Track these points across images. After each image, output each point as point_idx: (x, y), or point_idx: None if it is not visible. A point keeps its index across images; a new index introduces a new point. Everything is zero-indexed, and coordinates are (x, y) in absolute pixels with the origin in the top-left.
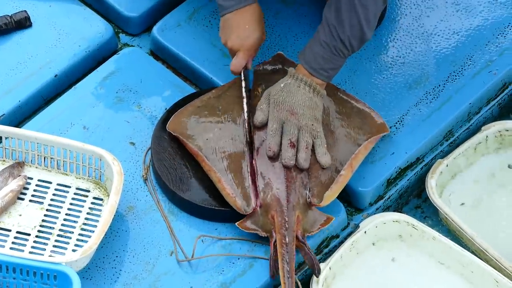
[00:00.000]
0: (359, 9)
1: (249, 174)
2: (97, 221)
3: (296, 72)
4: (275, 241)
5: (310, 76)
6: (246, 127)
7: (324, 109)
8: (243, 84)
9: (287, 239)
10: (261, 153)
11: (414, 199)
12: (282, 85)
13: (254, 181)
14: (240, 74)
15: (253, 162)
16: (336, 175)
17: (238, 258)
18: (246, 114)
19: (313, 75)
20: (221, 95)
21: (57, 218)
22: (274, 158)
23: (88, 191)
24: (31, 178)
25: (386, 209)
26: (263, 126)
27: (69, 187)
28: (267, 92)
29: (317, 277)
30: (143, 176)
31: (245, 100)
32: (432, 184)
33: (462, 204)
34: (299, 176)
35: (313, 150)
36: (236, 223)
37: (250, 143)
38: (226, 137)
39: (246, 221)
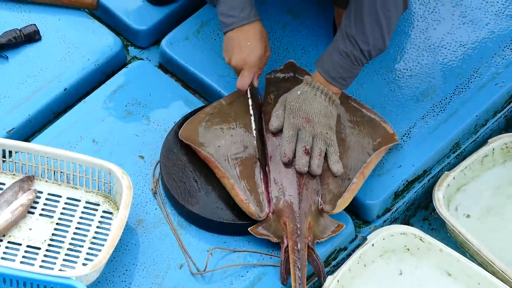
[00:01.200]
0: (383, 22)
1: (261, 180)
2: (107, 234)
3: (313, 80)
4: (286, 247)
5: (326, 84)
6: (255, 144)
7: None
8: (250, 102)
9: (299, 246)
10: (274, 159)
11: (421, 211)
12: (298, 92)
13: (267, 187)
14: (247, 92)
15: (266, 169)
16: (348, 183)
17: (247, 271)
18: (254, 132)
19: (331, 83)
20: (233, 102)
21: (67, 232)
22: (287, 164)
23: (98, 204)
24: (41, 192)
25: (394, 221)
26: (278, 132)
27: (79, 201)
28: (283, 98)
29: (322, 284)
30: (152, 189)
31: (252, 118)
32: (439, 196)
33: (469, 216)
34: (311, 182)
35: (325, 158)
36: (248, 228)
37: (262, 154)
38: (238, 143)
39: (258, 227)
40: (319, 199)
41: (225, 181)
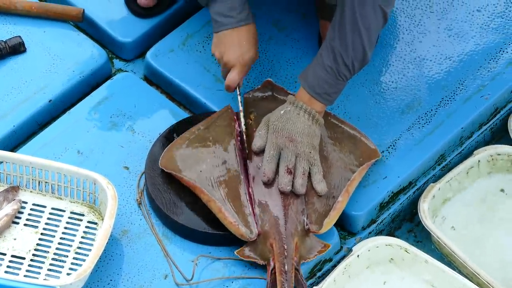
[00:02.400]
0: (362, 32)
1: (248, 201)
2: (92, 244)
3: (296, 100)
4: (273, 268)
5: (310, 102)
6: (245, 138)
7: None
8: (239, 98)
9: (286, 267)
10: (257, 180)
11: (406, 223)
12: (282, 112)
13: (251, 207)
14: (235, 89)
15: (249, 190)
16: (333, 201)
17: (232, 282)
18: (244, 127)
19: (316, 99)
20: (210, 125)
21: (51, 242)
22: (270, 184)
23: (83, 215)
24: (26, 202)
25: (379, 233)
26: (260, 152)
27: (64, 211)
28: (267, 118)
29: None
30: (137, 200)
31: (242, 114)
32: (424, 208)
33: (454, 228)
34: (296, 202)
35: (309, 177)
36: (234, 252)
37: (245, 175)
38: (220, 166)
39: (245, 249)
40: (305, 219)
41: (212, 205)
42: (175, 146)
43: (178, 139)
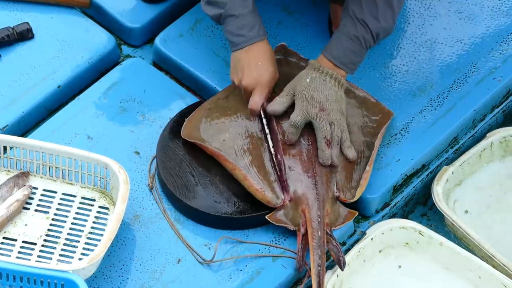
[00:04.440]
0: (395, 4)
1: (272, 167)
2: (103, 230)
3: (321, 66)
4: (303, 234)
5: (334, 68)
6: (275, 160)
7: None
8: (264, 122)
9: (319, 233)
10: (287, 148)
11: (420, 207)
12: (308, 80)
13: (280, 174)
14: (260, 112)
15: (278, 157)
16: (359, 168)
17: (246, 265)
18: (273, 150)
19: (341, 68)
20: (229, 95)
21: (63, 227)
22: (300, 152)
23: (94, 200)
24: (36, 188)
25: (392, 216)
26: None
27: (75, 196)
28: (290, 86)
29: (342, 270)
30: (148, 185)
31: (269, 136)
32: (438, 191)
33: (467, 210)
34: (325, 170)
35: None
36: (266, 216)
37: (275, 143)
38: (243, 135)
39: (276, 214)
40: (334, 187)
41: (237, 173)
42: (196, 116)
43: (198, 109)
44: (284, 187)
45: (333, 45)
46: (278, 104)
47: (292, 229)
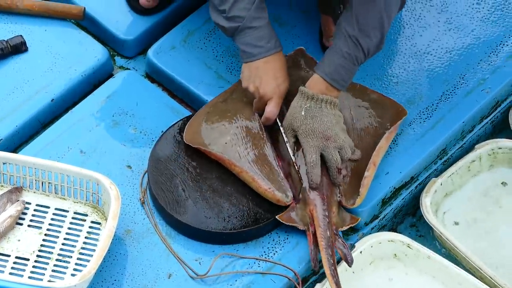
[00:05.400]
0: (385, 20)
1: (278, 167)
2: (95, 245)
3: (314, 93)
4: (313, 234)
5: (327, 90)
6: (296, 169)
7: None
8: (282, 130)
9: (328, 233)
10: (297, 153)
11: (409, 218)
12: (303, 113)
13: (285, 173)
14: (276, 121)
15: (294, 159)
16: (362, 173)
17: (236, 280)
18: (292, 156)
19: (333, 86)
20: (227, 99)
21: (55, 242)
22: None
23: (86, 215)
24: (29, 203)
25: (381, 228)
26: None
27: (67, 211)
28: (288, 123)
29: (350, 267)
30: (140, 199)
31: (288, 145)
32: (426, 202)
33: (456, 222)
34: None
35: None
36: (277, 216)
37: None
38: (245, 136)
39: (287, 214)
40: (337, 191)
41: (244, 175)
42: (197, 121)
43: (197, 114)
44: (289, 184)
45: (325, 62)
46: (290, 150)
47: (302, 229)
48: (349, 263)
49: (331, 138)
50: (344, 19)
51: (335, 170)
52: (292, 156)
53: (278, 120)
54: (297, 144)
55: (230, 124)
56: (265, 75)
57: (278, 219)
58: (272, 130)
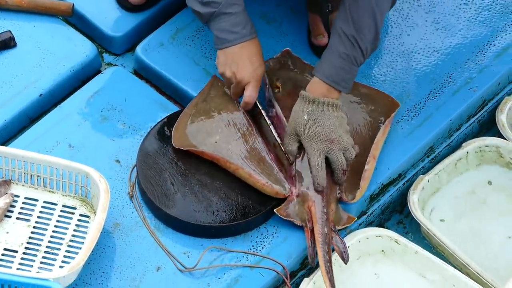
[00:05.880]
0: (377, 17)
1: (272, 160)
2: (84, 238)
3: (315, 97)
4: (311, 229)
5: (329, 92)
6: (283, 149)
7: None
8: (263, 113)
9: (325, 230)
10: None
11: (396, 215)
12: (305, 117)
13: (279, 166)
14: (256, 105)
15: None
16: (362, 167)
17: (224, 273)
18: (278, 139)
19: (334, 87)
20: (206, 98)
21: (44, 235)
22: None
23: (75, 208)
24: (18, 196)
25: (369, 224)
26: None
27: (56, 204)
28: (291, 128)
29: (346, 264)
30: (129, 193)
31: (271, 127)
32: (414, 199)
33: (443, 219)
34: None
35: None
36: (274, 210)
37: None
38: (234, 133)
39: (284, 209)
40: (337, 189)
41: (241, 172)
42: (182, 124)
43: (180, 117)
44: (286, 176)
45: (324, 65)
46: (289, 146)
47: (299, 225)
48: (345, 260)
49: (335, 141)
50: (339, 18)
51: (340, 172)
52: (276, 138)
53: (258, 103)
54: (301, 149)
55: (216, 123)
56: (241, 60)
57: (276, 212)
58: (257, 121)
